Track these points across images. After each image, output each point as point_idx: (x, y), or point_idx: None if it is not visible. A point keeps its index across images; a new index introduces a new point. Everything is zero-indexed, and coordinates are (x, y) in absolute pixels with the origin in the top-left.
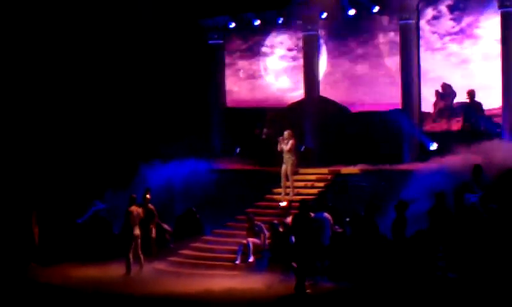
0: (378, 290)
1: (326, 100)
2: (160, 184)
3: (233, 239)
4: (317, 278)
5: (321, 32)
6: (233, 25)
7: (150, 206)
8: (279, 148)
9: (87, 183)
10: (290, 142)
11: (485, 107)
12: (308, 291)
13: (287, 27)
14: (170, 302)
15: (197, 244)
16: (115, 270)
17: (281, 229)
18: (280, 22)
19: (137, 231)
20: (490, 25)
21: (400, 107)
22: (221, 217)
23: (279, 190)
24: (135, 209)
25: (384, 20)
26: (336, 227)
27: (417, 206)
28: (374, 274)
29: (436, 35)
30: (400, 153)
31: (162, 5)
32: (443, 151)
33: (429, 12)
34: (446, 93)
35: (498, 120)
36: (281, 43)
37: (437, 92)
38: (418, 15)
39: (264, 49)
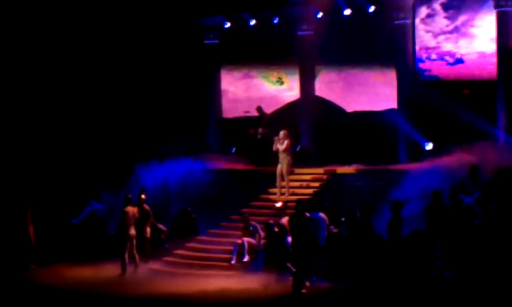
0: (374, 290)
1: (321, 100)
2: (155, 184)
3: (228, 239)
4: (313, 278)
5: (317, 32)
6: (228, 25)
7: (146, 206)
8: (274, 148)
9: (82, 183)
10: (286, 142)
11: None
12: (303, 291)
13: (283, 27)
14: (165, 303)
15: (192, 244)
16: (110, 271)
17: (276, 229)
18: (276, 22)
19: (132, 231)
20: (485, 23)
21: (396, 107)
22: (216, 217)
23: (274, 190)
24: (130, 209)
25: (380, 19)
26: (332, 227)
27: (413, 206)
28: (370, 274)
29: (430, 34)
30: (396, 153)
31: (159, 5)
32: (438, 151)
33: (423, 10)
34: None
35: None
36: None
37: None
38: (414, 14)
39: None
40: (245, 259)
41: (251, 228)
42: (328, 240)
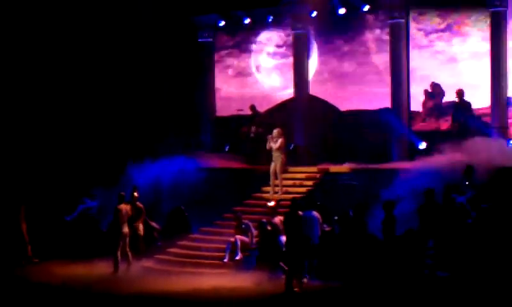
0: (367, 289)
1: (315, 99)
2: (148, 182)
3: (221, 237)
4: (306, 277)
5: (311, 31)
6: (223, 23)
7: (139, 204)
8: (268, 147)
9: (75, 181)
10: (280, 140)
11: (474, 106)
12: (296, 289)
13: (276, 25)
14: (158, 301)
15: (185, 242)
16: (103, 268)
17: (269, 228)
18: (270, 20)
19: (125, 229)
20: (478, 23)
21: (389, 106)
22: (209, 215)
23: (267, 188)
24: (124, 207)
25: (374, 18)
26: (325, 225)
27: (406, 206)
28: (363, 273)
29: (422, 32)
30: (390, 152)
31: (153, 3)
32: (432, 151)
33: (415, 9)
34: (435, 92)
35: (487, 119)
36: (271, 41)
37: (426, 91)
38: (408, 14)
39: (253, 47)
40: (238, 257)
41: (243, 226)
42: (321, 239)
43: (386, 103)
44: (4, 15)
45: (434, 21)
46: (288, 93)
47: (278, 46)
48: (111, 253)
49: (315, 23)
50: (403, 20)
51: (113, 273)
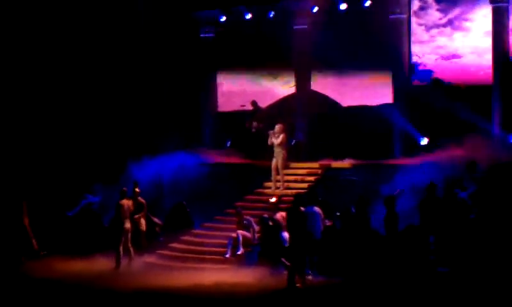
0: (368, 285)
1: (316, 94)
2: (149, 178)
3: (223, 233)
4: (309, 273)
5: (313, 26)
6: (224, 18)
7: (140, 199)
8: (270, 142)
9: (77, 176)
10: (281, 136)
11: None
12: (298, 285)
13: (278, 20)
14: (159, 296)
15: (187, 238)
16: (104, 264)
17: (271, 223)
18: (271, 15)
19: (127, 225)
20: (479, 17)
21: (391, 101)
22: (210, 210)
23: (269, 184)
24: (126, 202)
25: (376, 14)
26: (326, 221)
27: (407, 201)
28: (365, 269)
29: (423, 27)
30: (391, 148)
31: None
32: (433, 146)
33: (415, 3)
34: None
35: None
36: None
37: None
38: (410, 9)
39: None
40: (239, 252)
41: (245, 222)
42: (323, 235)
43: (388, 98)
44: (4, 15)
45: (436, 16)
46: (290, 87)
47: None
48: (113, 248)
49: (317, 19)
50: (405, 16)
51: (115, 268)
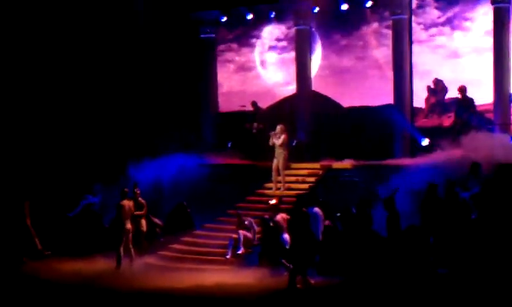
0: (369, 285)
1: (318, 95)
2: (150, 179)
3: (224, 234)
4: (308, 273)
5: (314, 27)
6: (225, 19)
7: (141, 199)
8: (271, 143)
9: (77, 177)
10: (282, 136)
11: (476, 102)
12: (298, 286)
13: (279, 21)
14: (160, 297)
15: (187, 239)
16: (105, 264)
17: (271, 224)
18: (272, 16)
19: (128, 225)
20: (479, 16)
21: (392, 102)
22: (211, 211)
23: (270, 184)
24: (126, 203)
25: (377, 14)
26: (327, 222)
27: (408, 202)
28: (365, 269)
29: (421, 26)
30: (392, 149)
31: None
32: (434, 147)
33: (413, 2)
34: (437, 88)
35: (490, 116)
36: (273, 36)
37: (429, 87)
38: (411, 10)
39: (255, 43)
40: (240, 252)
41: (246, 223)
42: (323, 235)
43: (389, 99)
44: (4, 14)
45: (434, 15)
46: (291, 88)
47: (280, 42)
48: (114, 249)
49: (318, 19)
50: (406, 16)
51: (116, 269)
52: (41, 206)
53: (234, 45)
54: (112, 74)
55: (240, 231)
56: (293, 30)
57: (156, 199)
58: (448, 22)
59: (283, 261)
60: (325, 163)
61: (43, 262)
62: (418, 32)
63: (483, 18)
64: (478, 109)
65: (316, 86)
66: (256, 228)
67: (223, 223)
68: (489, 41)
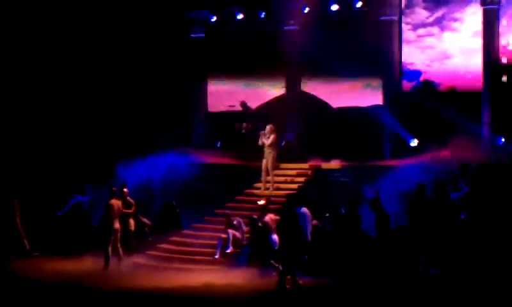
0: (358, 286)
1: (306, 95)
2: (139, 178)
3: (212, 233)
4: (296, 273)
5: (303, 27)
6: (215, 19)
7: (129, 199)
8: (260, 142)
9: (66, 176)
10: (272, 136)
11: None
12: (287, 286)
13: (269, 21)
14: (148, 297)
15: (176, 238)
16: (93, 264)
17: (260, 224)
18: (263, 16)
19: (116, 225)
20: (468, 16)
21: (381, 103)
22: (200, 211)
23: (259, 184)
24: (115, 202)
25: (367, 15)
26: (315, 222)
27: (397, 203)
28: (355, 270)
29: (409, 26)
30: (381, 149)
31: None
32: (423, 148)
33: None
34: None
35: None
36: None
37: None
38: (401, 11)
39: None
40: (228, 251)
41: (235, 223)
42: (312, 235)
43: (378, 100)
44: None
45: (423, 15)
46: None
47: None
48: (102, 248)
49: (308, 20)
50: (396, 17)
51: (104, 268)
52: (30, 204)
53: (226, 47)
54: (103, 74)
55: (230, 231)
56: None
57: (145, 198)
58: (437, 22)
59: (272, 261)
60: (314, 163)
61: (30, 261)
62: (405, 32)
63: (472, 18)
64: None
65: (304, 86)
66: (245, 228)
67: (211, 223)
68: (478, 42)
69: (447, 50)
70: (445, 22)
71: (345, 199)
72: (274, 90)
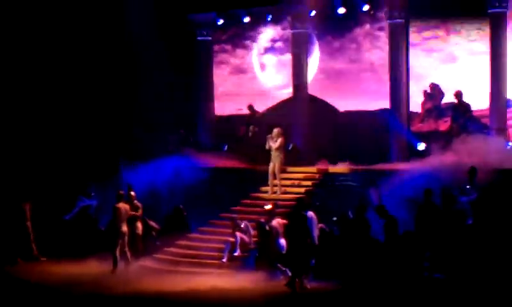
0: (365, 290)
1: (314, 99)
2: (145, 182)
3: (220, 237)
4: (305, 277)
5: (310, 31)
6: (221, 21)
7: (136, 202)
8: (267, 146)
9: (71, 180)
10: (279, 140)
11: (472, 107)
12: (296, 290)
13: (276, 24)
14: (156, 301)
15: (183, 242)
16: (101, 267)
17: (268, 228)
18: (269, 19)
19: (124, 228)
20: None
21: (388, 106)
22: (207, 214)
23: (266, 188)
24: (122, 206)
25: (374, 18)
26: (323, 226)
27: (404, 208)
28: (362, 274)
29: (414, 28)
30: (388, 153)
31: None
32: (430, 152)
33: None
34: (434, 93)
35: (486, 121)
36: (269, 38)
37: (425, 92)
38: (408, 14)
39: (251, 45)
40: (236, 254)
41: (242, 226)
42: (319, 240)
43: (384, 102)
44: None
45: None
46: (288, 92)
47: (276, 43)
48: (110, 252)
49: (315, 23)
50: (402, 21)
51: (111, 272)
52: (39, 208)
53: (230, 47)
54: (108, 76)
55: (238, 234)
56: (288, 30)
57: (152, 202)
58: (443, 24)
59: (279, 265)
60: (321, 167)
61: (37, 264)
62: (410, 34)
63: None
64: (474, 113)
65: (312, 89)
66: (252, 232)
67: (218, 226)
68: (485, 45)
69: (453, 53)
70: (450, 24)
71: (353, 203)
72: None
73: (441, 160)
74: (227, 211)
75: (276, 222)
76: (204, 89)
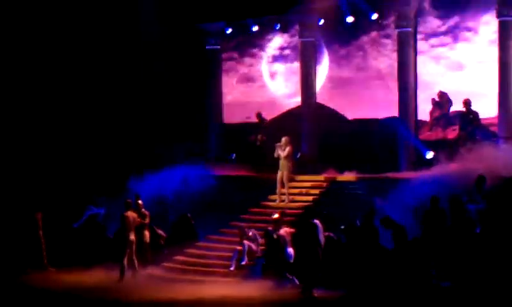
0: (373, 298)
1: (322, 107)
2: (153, 190)
3: (228, 245)
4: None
5: (319, 39)
6: (230, 30)
7: (144, 210)
8: (276, 154)
9: (80, 188)
10: (287, 148)
11: (481, 116)
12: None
13: (284, 33)
14: None
15: (191, 250)
16: (108, 276)
17: (275, 237)
18: (278, 28)
19: (132, 236)
20: (482, 25)
21: (396, 114)
22: (215, 223)
23: (274, 196)
24: (130, 214)
25: (382, 27)
26: (331, 234)
27: (411, 216)
28: (369, 282)
29: (421, 35)
30: (397, 161)
31: (161, 9)
32: (439, 160)
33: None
34: (442, 101)
35: (495, 129)
36: (277, 46)
37: (433, 100)
38: (416, 23)
39: (259, 54)
40: (244, 262)
41: (250, 234)
42: (327, 248)
43: (392, 110)
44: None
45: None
46: (296, 100)
47: (284, 50)
48: (118, 260)
49: (323, 32)
50: (411, 29)
51: (119, 280)
52: (49, 218)
53: (238, 56)
54: (117, 85)
55: (245, 242)
56: (296, 38)
57: (160, 210)
58: (450, 31)
59: (287, 274)
60: (329, 175)
61: (46, 273)
62: (418, 42)
63: (486, 28)
64: (482, 122)
65: (321, 97)
66: (260, 240)
67: (226, 235)
68: (493, 51)
69: (461, 60)
70: (458, 32)
71: (360, 211)
72: None
73: (449, 168)
74: (235, 219)
75: (284, 231)
76: (213, 98)
